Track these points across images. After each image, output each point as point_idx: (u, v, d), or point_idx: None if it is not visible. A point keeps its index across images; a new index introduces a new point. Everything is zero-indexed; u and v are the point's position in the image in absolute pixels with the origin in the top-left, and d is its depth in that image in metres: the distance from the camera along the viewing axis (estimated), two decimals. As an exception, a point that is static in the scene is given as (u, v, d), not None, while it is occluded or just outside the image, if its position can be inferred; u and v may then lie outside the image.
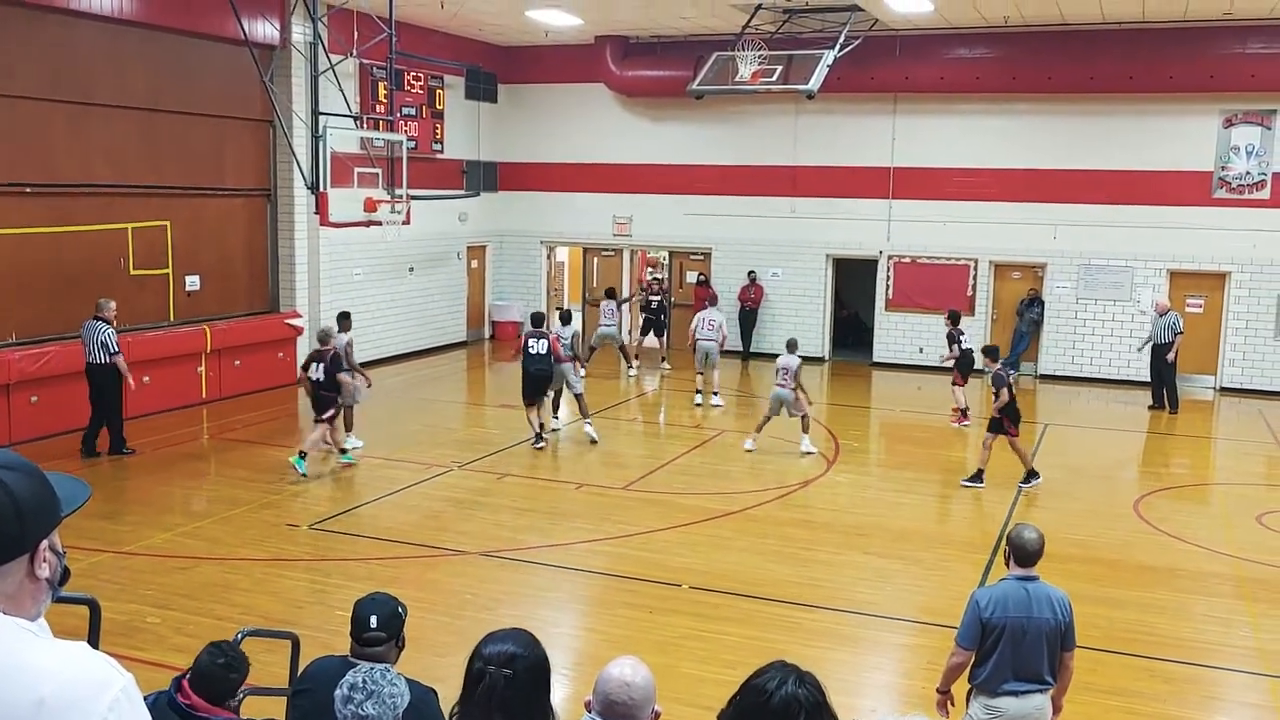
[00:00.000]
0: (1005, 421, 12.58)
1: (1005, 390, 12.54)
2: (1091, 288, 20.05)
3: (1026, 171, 20.10)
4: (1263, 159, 18.86)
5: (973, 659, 5.46)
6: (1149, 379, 18.30)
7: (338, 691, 3.22)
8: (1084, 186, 19.75)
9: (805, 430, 14.23)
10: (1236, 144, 19.00)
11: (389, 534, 10.58)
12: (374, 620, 3.83)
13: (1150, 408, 17.91)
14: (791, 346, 14.52)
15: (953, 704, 5.64)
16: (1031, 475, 12.82)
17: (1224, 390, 19.42)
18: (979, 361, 15.05)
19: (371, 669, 3.28)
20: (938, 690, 5.66)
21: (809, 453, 14.11)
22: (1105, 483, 13.62)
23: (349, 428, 13.73)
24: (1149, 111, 19.30)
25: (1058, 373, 20.29)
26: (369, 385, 14.02)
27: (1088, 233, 19.85)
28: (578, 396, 14.94)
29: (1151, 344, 17.89)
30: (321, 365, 12.71)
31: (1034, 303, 20.44)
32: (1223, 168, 19.10)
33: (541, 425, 14.36)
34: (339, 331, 13.73)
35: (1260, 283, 19.13)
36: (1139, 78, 18.75)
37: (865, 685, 7.71)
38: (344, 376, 12.82)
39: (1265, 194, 18.91)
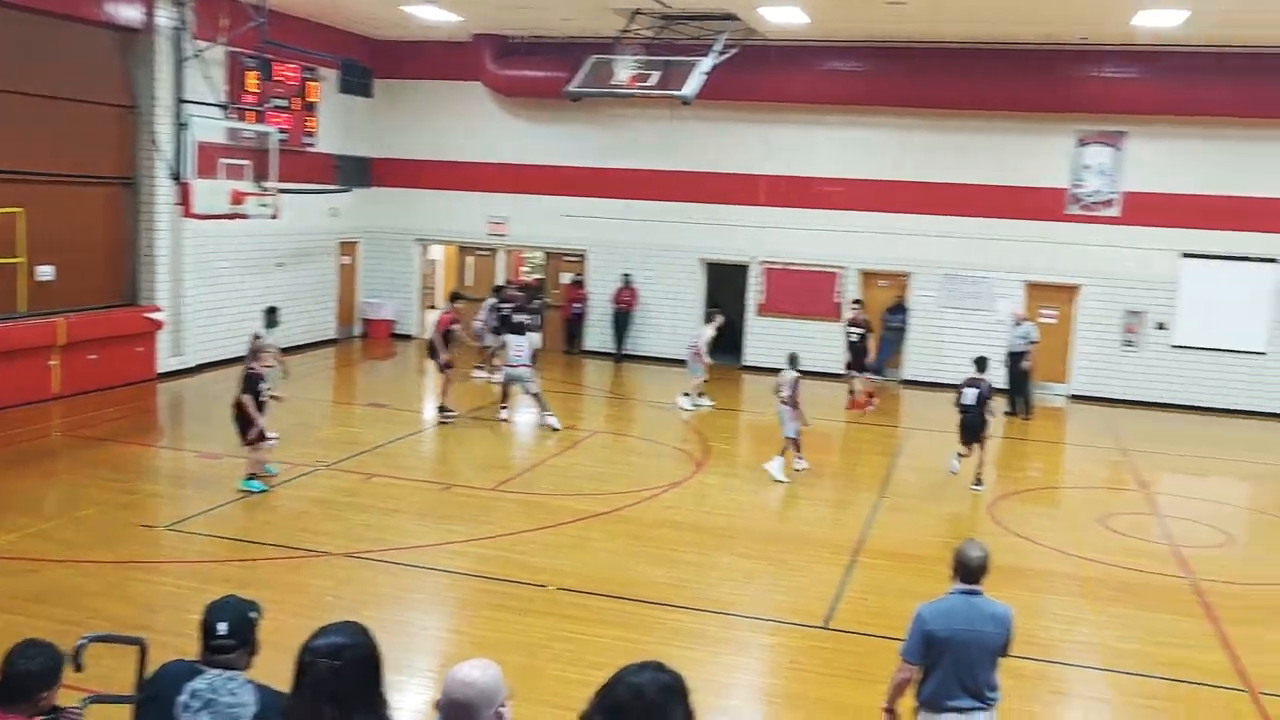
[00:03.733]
0: None
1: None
2: (953, 297, 20.75)
3: (893, 183, 20.68)
4: (1112, 178, 19.80)
5: (918, 675, 5.43)
6: (1007, 386, 18.98)
7: (179, 698, 3.13)
8: (947, 199, 20.42)
9: (781, 453, 13.39)
10: (1089, 163, 19.90)
11: (250, 535, 10.32)
12: (223, 626, 3.72)
13: (1007, 414, 18.58)
14: (792, 361, 13.76)
15: None
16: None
17: (1074, 398, 20.30)
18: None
19: (216, 676, 3.20)
20: (884, 709, 5.57)
21: (775, 479, 13.24)
22: (961, 486, 14.09)
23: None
24: (1009, 129, 20.07)
25: (921, 379, 20.91)
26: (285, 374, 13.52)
27: (950, 244, 20.52)
28: (535, 395, 15.48)
29: (1008, 352, 18.59)
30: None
31: (899, 310, 21.03)
32: (1076, 185, 19.98)
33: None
34: (266, 328, 13.12)
35: (1109, 296, 20.06)
36: (1000, 96, 19.50)
37: (730, 685, 7.82)
38: (247, 399, 11.66)
39: (1115, 211, 19.85)
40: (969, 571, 5.44)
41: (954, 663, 5.29)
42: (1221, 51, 18.34)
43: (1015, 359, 18.44)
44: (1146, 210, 19.66)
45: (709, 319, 18.60)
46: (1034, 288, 20.46)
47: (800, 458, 13.59)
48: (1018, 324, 18.54)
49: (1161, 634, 9.02)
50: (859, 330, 18.12)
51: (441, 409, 15.75)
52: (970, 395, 13.25)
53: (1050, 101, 19.40)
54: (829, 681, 7.80)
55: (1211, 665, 8.38)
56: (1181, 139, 19.43)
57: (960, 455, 13.51)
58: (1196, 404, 19.68)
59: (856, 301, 19.15)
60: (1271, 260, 19.25)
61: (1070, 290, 20.31)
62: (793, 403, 13.32)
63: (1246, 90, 18.38)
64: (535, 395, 15.48)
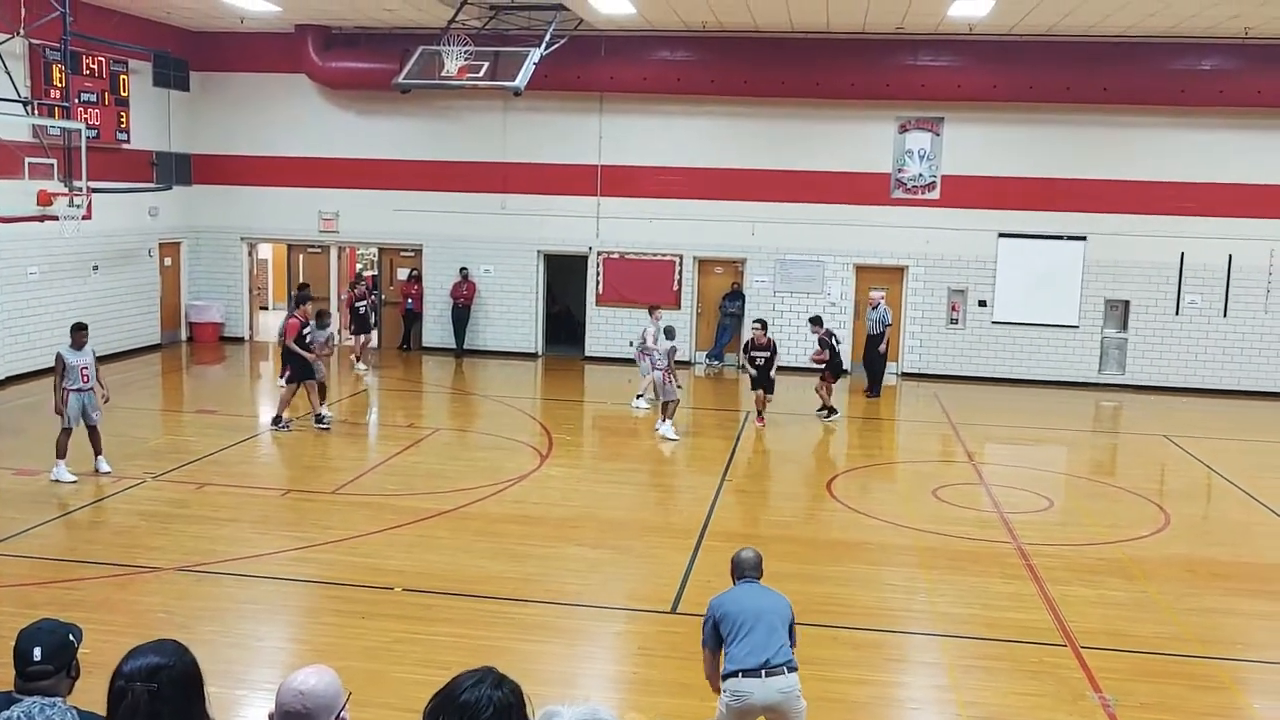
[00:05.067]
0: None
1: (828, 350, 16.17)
2: (787, 281, 21.24)
3: (726, 171, 21.03)
4: (933, 162, 20.60)
5: (719, 657, 5.83)
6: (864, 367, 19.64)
7: (-9, 728, 2.94)
8: (778, 185, 20.89)
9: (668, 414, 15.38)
10: (910, 148, 20.66)
11: (73, 554, 9.81)
12: (38, 652, 3.50)
13: (866, 393, 19.18)
14: (669, 334, 15.95)
15: None
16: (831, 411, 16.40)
17: (905, 375, 21.07)
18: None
19: (31, 703, 3.01)
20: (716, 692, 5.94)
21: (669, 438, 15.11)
22: (801, 466, 14.47)
23: (61, 454, 12.11)
24: (834, 116, 20.65)
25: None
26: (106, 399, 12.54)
27: (782, 229, 21.01)
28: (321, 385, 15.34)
29: (868, 335, 19.32)
30: None
31: (736, 296, 21.42)
32: (899, 170, 20.71)
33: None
34: (72, 346, 12.12)
35: (934, 276, 20.89)
36: (825, 84, 20.04)
37: (579, 675, 7.83)
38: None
39: (935, 194, 20.66)
40: (740, 569, 6.09)
41: (744, 633, 5.70)
42: (1029, 40, 19.29)
43: (873, 341, 19.09)
44: (965, 193, 20.54)
45: (652, 312, 17.73)
46: (863, 270, 21.13)
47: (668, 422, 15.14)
48: (874, 308, 19.20)
49: (990, 597, 9.44)
50: (763, 354, 16.18)
51: (276, 419, 15.02)
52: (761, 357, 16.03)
53: (872, 89, 20.05)
54: (678, 665, 7.87)
55: (1036, 624, 8.83)
56: (996, 124, 20.35)
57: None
58: (1016, 376, 20.70)
59: (758, 322, 16.80)
60: (1080, 238, 20.36)
61: (898, 271, 21.05)
62: (666, 368, 15.25)
63: (1053, 76, 19.36)
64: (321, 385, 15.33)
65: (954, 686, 7.73)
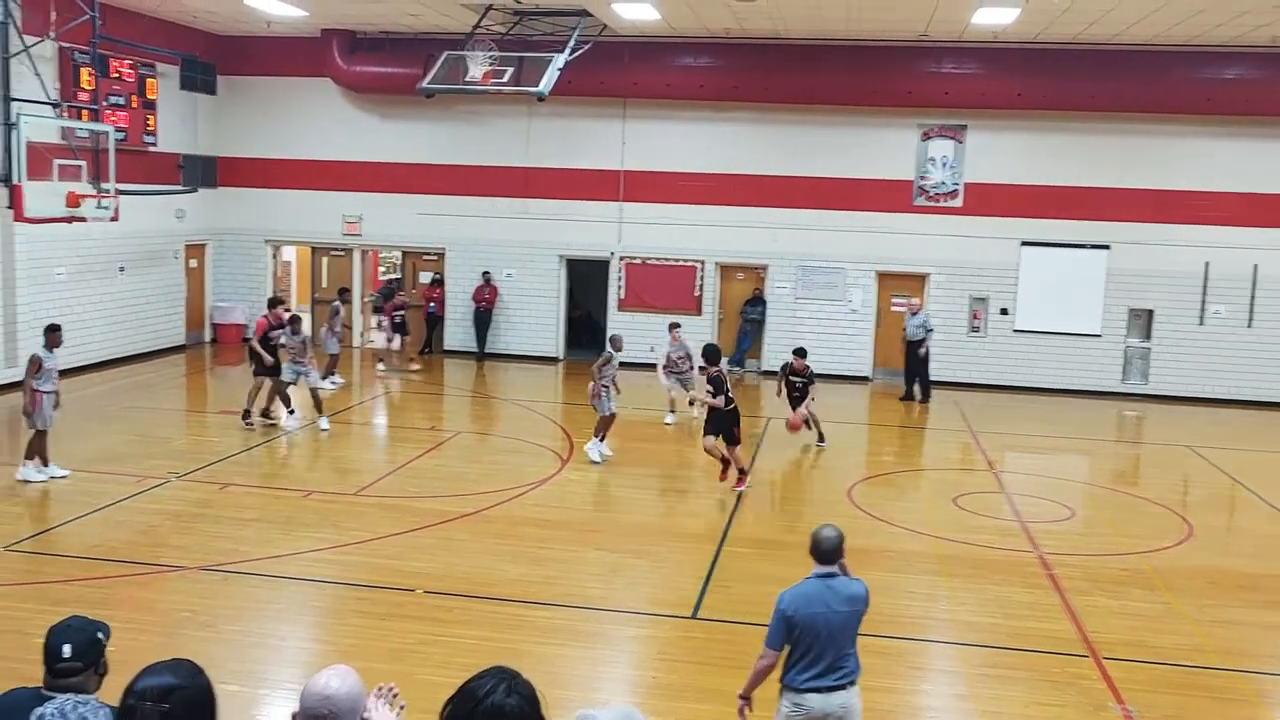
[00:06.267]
0: (735, 429, 12.55)
1: (722, 395, 12.41)
2: (808, 287, 21.22)
3: (748, 177, 21.03)
4: (955, 170, 20.55)
5: (780, 661, 5.52)
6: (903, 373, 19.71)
7: (25, 725, 2.98)
8: (800, 192, 20.88)
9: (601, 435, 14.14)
10: (933, 156, 20.62)
11: (97, 553, 9.88)
12: (68, 649, 3.54)
13: (902, 399, 19.22)
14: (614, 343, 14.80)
15: (751, 709, 5.64)
16: (742, 474, 12.77)
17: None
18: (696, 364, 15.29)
19: (65, 700, 3.05)
20: (740, 696, 5.65)
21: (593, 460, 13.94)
22: (821, 472, 14.45)
23: (42, 455, 12.17)
24: (857, 124, 20.62)
25: (780, 369, 21.27)
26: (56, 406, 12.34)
27: (804, 236, 20.99)
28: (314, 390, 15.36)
29: (906, 341, 19.40)
30: None
31: (757, 302, 21.41)
32: (921, 178, 20.67)
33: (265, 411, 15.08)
34: (46, 348, 12.05)
35: (955, 284, 20.83)
36: (848, 91, 20.03)
37: (599, 679, 7.85)
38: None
39: (958, 202, 20.61)
40: (822, 553, 5.60)
41: (813, 644, 5.44)
42: (1054, 48, 19.22)
43: (913, 347, 19.13)
44: (988, 201, 20.49)
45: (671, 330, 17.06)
46: (885, 277, 21.08)
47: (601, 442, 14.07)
48: (915, 314, 19.26)
49: (1012, 606, 9.41)
50: (801, 379, 15.41)
51: (245, 414, 15.15)
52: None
53: (895, 96, 20.02)
54: (699, 670, 7.90)
55: (1057, 634, 8.80)
56: (1019, 132, 20.30)
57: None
58: (1038, 385, 20.60)
59: (799, 350, 15.85)
60: (1104, 247, 20.26)
61: (919, 279, 20.99)
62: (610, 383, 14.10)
63: (1078, 85, 19.28)
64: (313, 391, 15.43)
65: (974, 696, 7.71)
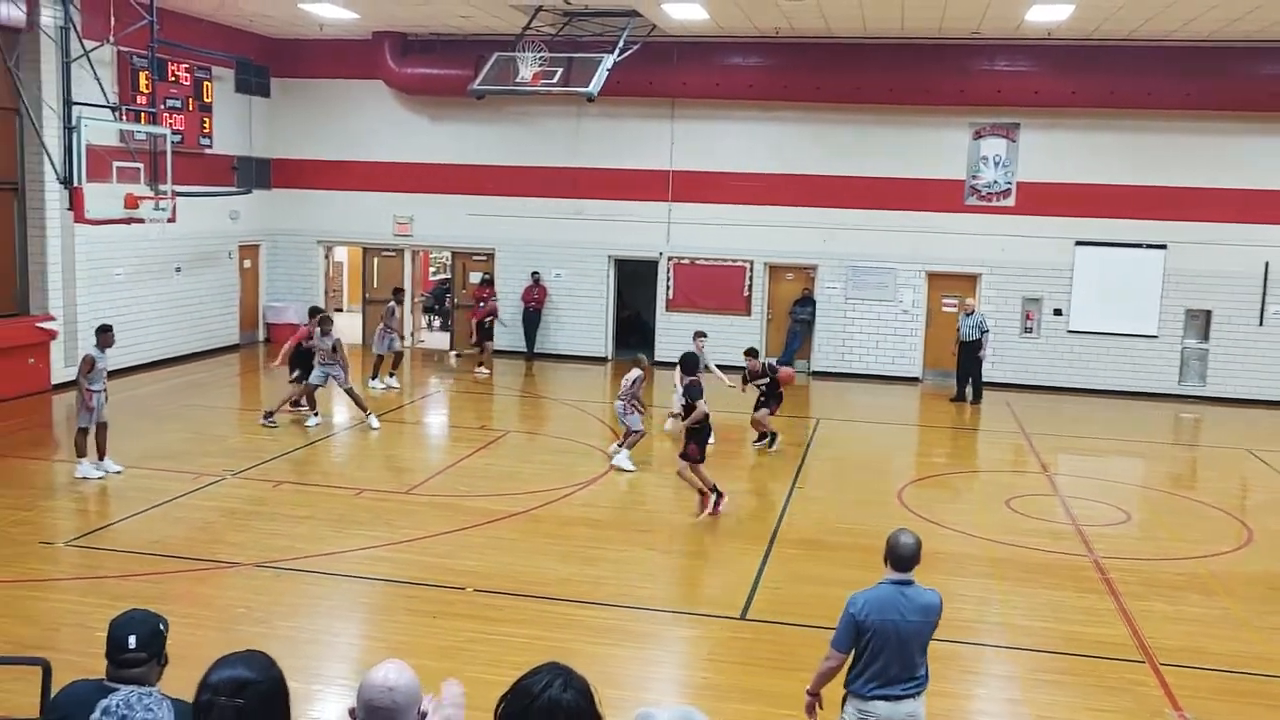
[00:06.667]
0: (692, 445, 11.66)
1: (699, 405, 11.54)
2: (858, 288, 21.09)
3: (797, 176, 20.94)
4: (1008, 169, 20.32)
5: (846, 663, 5.44)
6: (955, 374, 19.51)
7: (90, 716, 3.03)
8: (850, 192, 20.75)
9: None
10: (985, 155, 20.40)
11: (155, 548, 10.04)
12: (133, 640, 3.62)
13: (953, 400, 19.07)
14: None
15: (821, 707, 5.59)
16: (712, 497, 11.74)
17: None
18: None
19: (129, 692, 3.11)
20: (808, 692, 5.59)
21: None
22: (872, 473, 14.35)
23: (100, 450, 12.42)
24: (908, 123, 20.46)
25: (829, 369, 21.22)
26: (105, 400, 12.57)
27: (854, 236, 20.87)
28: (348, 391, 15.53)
29: (959, 342, 19.19)
30: None
31: (807, 302, 21.32)
32: (973, 177, 20.46)
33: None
34: (98, 348, 12.31)
35: (1008, 284, 20.59)
36: (898, 90, 19.86)
37: (649, 679, 7.86)
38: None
39: (1010, 201, 20.38)
40: (901, 560, 5.48)
41: (883, 652, 5.32)
42: (1105, 45, 18.95)
43: (968, 348, 18.96)
44: (1041, 200, 20.23)
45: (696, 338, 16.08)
46: (936, 277, 20.90)
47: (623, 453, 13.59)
48: (969, 315, 19.09)
49: (1066, 611, 9.29)
50: (763, 379, 14.85)
51: (268, 414, 15.35)
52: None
53: (946, 95, 19.84)
54: (747, 671, 7.88)
55: (1112, 639, 8.67)
56: (1074, 130, 20.02)
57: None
58: (1092, 386, 20.32)
59: (750, 350, 15.46)
60: (1161, 247, 19.93)
61: (971, 279, 20.78)
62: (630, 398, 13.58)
63: (1135, 82, 18.98)
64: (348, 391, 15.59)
65: (1027, 700, 7.63)
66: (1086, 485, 13.95)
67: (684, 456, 11.68)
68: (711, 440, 12.55)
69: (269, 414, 15.30)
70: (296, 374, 15.69)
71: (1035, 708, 7.49)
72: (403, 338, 19.28)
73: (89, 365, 12.15)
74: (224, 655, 3.10)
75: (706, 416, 11.62)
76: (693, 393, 11.66)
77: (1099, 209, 20.04)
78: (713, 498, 11.60)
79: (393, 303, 18.98)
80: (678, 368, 13.56)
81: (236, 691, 2.95)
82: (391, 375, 18.49)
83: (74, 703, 3.54)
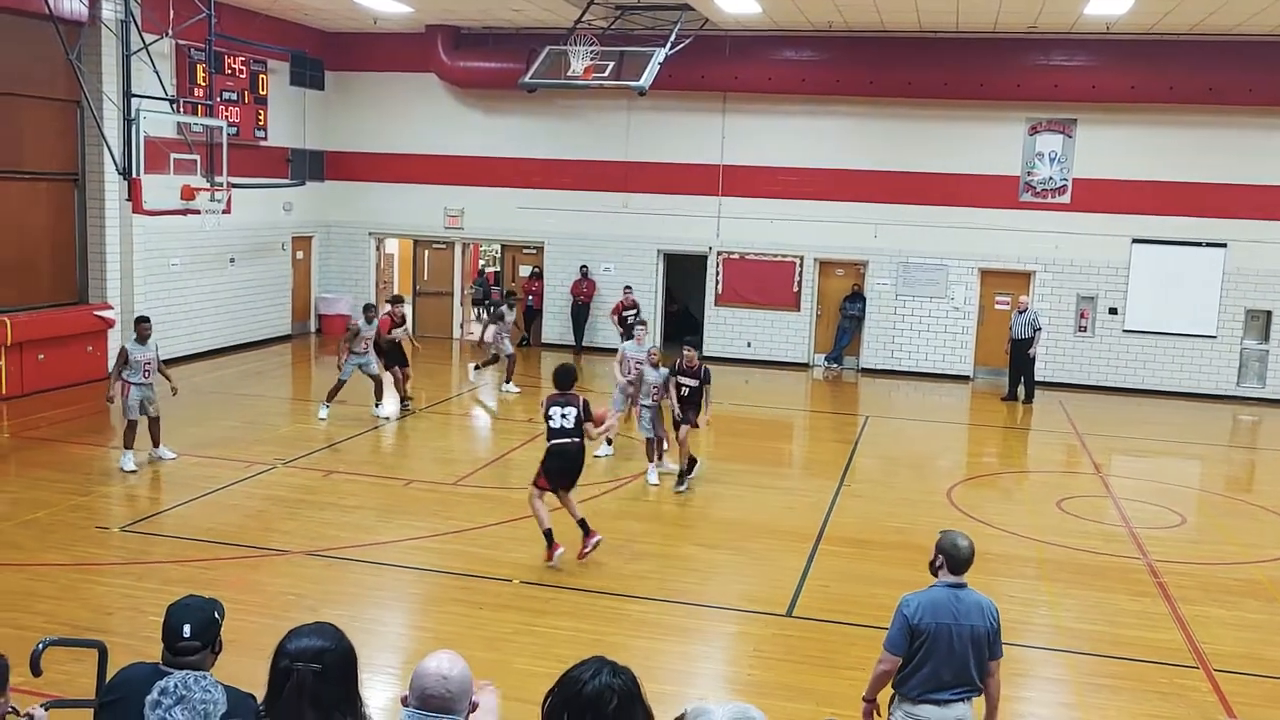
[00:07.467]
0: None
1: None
2: (909, 284, 20.90)
3: (849, 172, 20.79)
4: (1064, 165, 20.03)
5: (899, 666, 5.36)
6: (1007, 372, 19.23)
7: (148, 696, 3.08)
8: (902, 187, 20.57)
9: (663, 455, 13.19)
10: (1041, 150, 20.12)
11: (208, 535, 10.19)
12: (188, 628, 3.66)
13: (1004, 399, 18.86)
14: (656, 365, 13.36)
15: (879, 713, 5.52)
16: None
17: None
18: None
19: (185, 675, 3.15)
20: (864, 699, 5.52)
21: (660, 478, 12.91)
22: (921, 472, 14.22)
23: (154, 438, 12.60)
24: (962, 118, 20.23)
25: (878, 366, 21.06)
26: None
27: (906, 232, 20.68)
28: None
29: (1011, 340, 18.90)
30: None
31: (857, 298, 21.17)
32: (1028, 173, 20.19)
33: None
34: (136, 340, 12.32)
35: (1062, 282, 20.31)
36: (953, 85, 19.64)
37: (694, 674, 7.84)
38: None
39: (1066, 198, 20.09)
40: (955, 562, 5.39)
41: (932, 655, 5.25)
42: (1165, 39, 18.61)
43: (1020, 346, 18.72)
44: (1097, 196, 19.92)
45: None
46: (989, 274, 20.67)
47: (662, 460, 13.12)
48: (1022, 312, 18.85)
49: (1118, 614, 9.15)
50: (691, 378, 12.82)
51: (403, 401, 16.01)
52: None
53: (1001, 89, 19.59)
54: (792, 668, 7.84)
55: (1167, 644, 8.53)
56: (1131, 125, 19.69)
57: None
58: (1148, 387, 19.99)
59: (689, 340, 14.51)
60: (1220, 245, 19.56)
61: (1024, 276, 20.52)
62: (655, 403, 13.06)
63: (1195, 77, 18.63)
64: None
65: (1079, 705, 7.52)
66: (1140, 487, 13.72)
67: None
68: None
69: (404, 400, 15.98)
70: (382, 362, 15.93)
71: (1087, 711, 7.39)
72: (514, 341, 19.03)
73: (124, 358, 12.25)
74: (297, 626, 3.32)
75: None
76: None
77: (1157, 206, 19.69)
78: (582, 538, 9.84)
79: (504, 306, 18.66)
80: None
81: (315, 658, 3.17)
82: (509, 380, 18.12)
83: (131, 684, 3.60)
